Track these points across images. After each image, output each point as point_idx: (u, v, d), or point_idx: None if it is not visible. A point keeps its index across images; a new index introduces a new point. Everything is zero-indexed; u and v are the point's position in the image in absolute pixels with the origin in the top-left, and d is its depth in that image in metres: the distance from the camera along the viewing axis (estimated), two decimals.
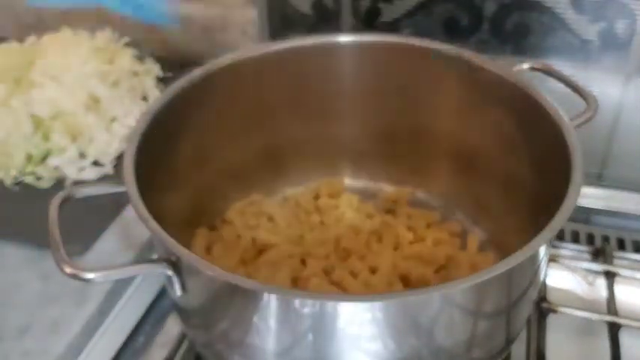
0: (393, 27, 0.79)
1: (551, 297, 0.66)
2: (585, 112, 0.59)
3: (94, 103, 0.78)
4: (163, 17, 0.41)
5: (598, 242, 0.76)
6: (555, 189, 0.51)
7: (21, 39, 0.90)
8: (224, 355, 0.53)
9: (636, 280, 0.69)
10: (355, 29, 0.80)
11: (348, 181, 0.77)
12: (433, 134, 0.71)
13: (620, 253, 0.73)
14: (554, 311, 0.64)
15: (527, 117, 0.60)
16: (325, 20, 0.81)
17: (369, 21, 0.79)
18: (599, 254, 0.73)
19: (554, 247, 0.73)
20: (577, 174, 0.51)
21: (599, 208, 0.78)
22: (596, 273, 0.70)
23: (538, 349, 0.61)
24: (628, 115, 0.75)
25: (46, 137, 0.75)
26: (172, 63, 0.93)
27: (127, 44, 0.91)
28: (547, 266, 0.64)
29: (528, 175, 0.61)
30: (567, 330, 0.65)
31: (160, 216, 0.48)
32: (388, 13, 0.78)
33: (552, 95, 0.59)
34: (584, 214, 0.79)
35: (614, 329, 0.62)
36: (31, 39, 0.89)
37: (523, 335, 0.61)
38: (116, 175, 0.74)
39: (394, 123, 0.72)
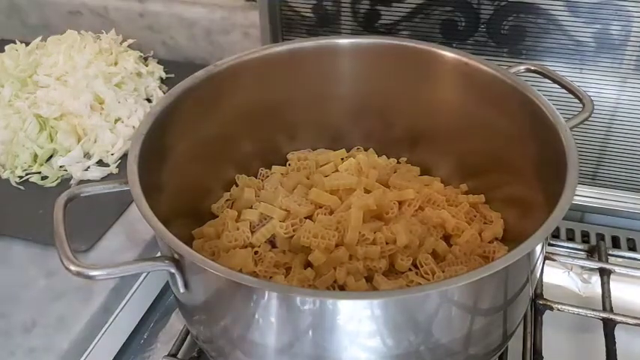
0: (391, 29, 0.79)
1: (547, 294, 0.66)
2: (581, 113, 0.60)
3: (98, 103, 0.79)
4: None
5: (593, 240, 0.77)
6: (551, 188, 0.52)
7: (27, 41, 0.91)
8: (226, 351, 0.53)
9: (631, 278, 0.70)
10: (355, 32, 0.81)
11: None
12: (431, 134, 0.71)
13: (615, 251, 0.74)
14: (551, 308, 0.65)
15: (524, 118, 0.60)
16: (325, 23, 0.81)
17: (368, 24, 0.80)
18: (594, 252, 0.74)
19: (549, 245, 0.74)
20: (572, 174, 0.51)
21: (594, 206, 0.79)
22: (592, 270, 0.71)
23: (534, 346, 0.62)
24: (623, 115, 0.75)
25: (51, 137, 0.75)
26: (176, 64, 0.94)
27: (131, 46, 0.92)
28: (543, 264, 0.65)
29: (524, 174, 0.62)
30: (563, 326, 0.66)
31: (163, 214, 0.49)
32: (387, 16, 0.78)
33: (549, 96, 0.59)
34: (580, 213, 0.80)
35: (609, 326, 0.63)
36: (37, 41, 0.90)
37: (519, 332, 0.61)
38: (120, 175, 0.75)
39: (393, 124, 0.73)
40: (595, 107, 0.61)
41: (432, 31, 0.78)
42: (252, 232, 0.64)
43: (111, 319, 0.62)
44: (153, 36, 0.97)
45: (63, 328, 0.58)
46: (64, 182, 0.74)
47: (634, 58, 0.72)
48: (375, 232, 0.61)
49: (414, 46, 0.68)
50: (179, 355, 0.63)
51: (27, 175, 0.74)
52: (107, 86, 0.80)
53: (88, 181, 0.74)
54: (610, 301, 0.66)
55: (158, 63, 0.93)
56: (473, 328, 0.50)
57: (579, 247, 0.75)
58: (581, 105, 0.61)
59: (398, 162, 0.74)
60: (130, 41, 0.92)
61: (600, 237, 0.77)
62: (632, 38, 0.71)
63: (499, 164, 0.66)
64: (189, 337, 0.64)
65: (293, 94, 0.70)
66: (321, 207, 0.65)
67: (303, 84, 0.70)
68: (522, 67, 0.66)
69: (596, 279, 0.70)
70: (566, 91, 0.63)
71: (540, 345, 0.62)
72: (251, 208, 0.67)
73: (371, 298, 0.46)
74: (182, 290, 0.50)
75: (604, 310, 0.65)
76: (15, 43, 0.90)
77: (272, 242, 0.64)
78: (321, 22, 0.81)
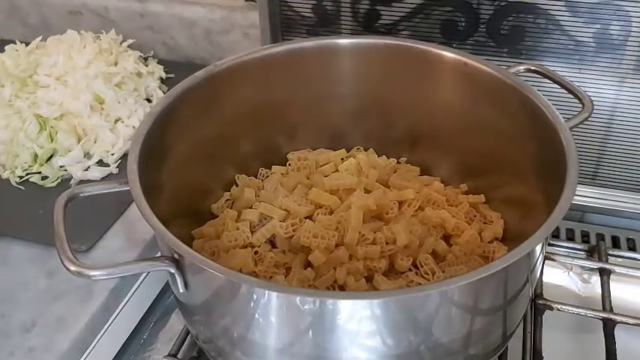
0: (391, 29, 0.79)
1: (547, 294, 0.66)
2: (581, 113, 0.60)
3: (98, 103, 0.79)
4: None
5: (593, 240, 0.77)
6: (551, 188, 0.52)
7: (27, 41, 0.91)
8: (226, 351, 0.53)
9: (631, 278, 0.70)
10: (355, 32, 0.81)
11: None
12: (431, 134, 0.71)
13: (615, 251, 0.74)
14: (550, 308, 0.65)
15: (524, 118, 0.60)
16: (325, 23, 0.81)
17: (368, 24, 0.79)
18: (594, 252, 0.74)
19: (549, 245, 0.74)
20: (572, 174, 0.51)
21: (594, 206, 0.79)
22: (592, 270, 0.71)
23: (534, 346, 0.61)
24: (622, 115, 0.75)
25: (51, 137, 0.75)
26: (176, 64, 0.94)
27: (131, 46, 0.92)
28: (543, 264, 0.65)
29: (524, 174, 0.62)
30: (563, 326, 0.66)
31: (163, 214, 0.49)
32: (387, 16, 0.78)
33: (548, 96, 0.59)
34: (580, 213, 0.80)
35: (609, 326, 0.63)
36: (37, 41, 0.90)
37: (519, 332, 0.61)
38: (120, 175, 0.75)
39: (393, 124, 0.73)
40: (594, 107, 0.61)
41: (432, 31, 0.77)
42: (252, 232, 0.64)
43: (111, 319, 0.62)
44: (153, 36, 0.97)
45: (63, 328, 0.58)
46: (64, 182, 0.74)
47: (633, 58, 0.72)
48: (375, 232, 0.61)
49: (414, 46, 0.68)
50: (179, 355, 0.63)
51: (27, 175, 0.74)
52: (107, 86, 0.80)
53: (88, 181, 0.74)
54: (610, 301, 0.66)
55: (158, 63, 0.93)
56: (473, 328, 0.50)
57: (579, 247, 0.75)
58: (580, 105, 0.61)
59: (398, 162, 0.74)
60: (130, 41, 0.92)
61: (600, 237, 0.77)
62: (631, 38, 0.71)
63: (499, 164, 0.66)
64: (189, 337, 0.64)
65: (293, 94, 0.70)
66: (321, 207, 0.65)
67: (303, 84, 0.70)
68: (522, 67, 0.66)
69: (596, 279, 0.70)
70: (566, 91, 0.63)
71: (540, 345, 0.62)
72: (251, 208, 0.67)
73: (371, 298, 0.46)
74: (182, 290, 0.50)
75: (604, 310, 0.65)
76: (15, 43, 0.90)
77: (272, 242, 0.64)
78: (321, 22, 0.81)
